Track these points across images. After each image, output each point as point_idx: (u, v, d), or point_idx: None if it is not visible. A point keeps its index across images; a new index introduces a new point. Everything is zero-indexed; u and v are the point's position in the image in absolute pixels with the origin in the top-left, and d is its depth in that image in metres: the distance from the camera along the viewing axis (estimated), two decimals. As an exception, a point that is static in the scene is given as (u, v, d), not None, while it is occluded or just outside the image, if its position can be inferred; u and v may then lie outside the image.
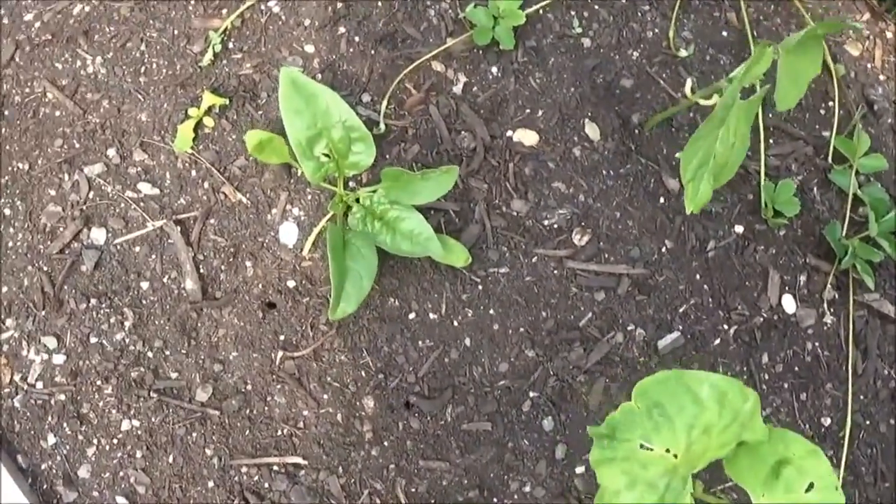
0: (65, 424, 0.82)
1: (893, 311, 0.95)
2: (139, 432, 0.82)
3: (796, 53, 0.72)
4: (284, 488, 0.81)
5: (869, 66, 1.07)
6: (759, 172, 0.95)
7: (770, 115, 0.99)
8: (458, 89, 0.92)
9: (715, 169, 0.70)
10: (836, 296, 0.94)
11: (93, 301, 0.84)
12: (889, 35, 1.14)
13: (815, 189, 0.97)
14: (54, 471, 0.81)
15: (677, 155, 0.93)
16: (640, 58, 0.95)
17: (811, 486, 0.65)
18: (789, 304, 0.93)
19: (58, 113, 0.91)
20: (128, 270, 0.85)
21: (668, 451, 0.62)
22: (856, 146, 0.98)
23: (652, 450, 0.62)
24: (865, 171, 0.99)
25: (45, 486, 0.81)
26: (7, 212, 0.88)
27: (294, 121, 0.80)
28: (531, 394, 0.85)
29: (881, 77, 1.07)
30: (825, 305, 0.93)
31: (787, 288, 0.93)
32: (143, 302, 0.84)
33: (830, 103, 1.02)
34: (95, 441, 0.81)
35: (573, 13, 0.97)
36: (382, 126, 0.90)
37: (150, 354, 0.83)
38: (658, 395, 0.64)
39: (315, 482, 0.81)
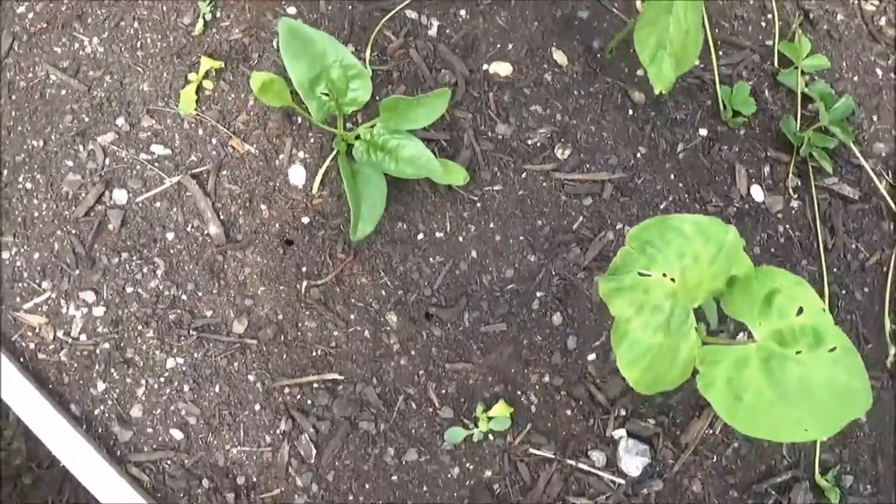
0: (112, 370, 1.13)
1: (852, 192, 1.34)
2: (184, 368, 1.14)
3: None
4: (326, 402, 1.14)
5: None
6: (714, 81, 1.35)
7: (717, 31, 1.39)
8: (432, 33, 1.30)
9: (674, 54, 1.08)
10: (799, 182, 1.33)
11: (124, 255, 1.16)
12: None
13: (766, 91, 1.37)
14: (107, 414, 1.12)
15: (639, 72, 1.32)
16: (595, -11, 1.35)
17: (801, 310, 0.98)
18: (758, 193, 1.31)
19: (63, 92, 1.24)
20: (153, 224, 1.18)
21: (664, 275, 0.96)
22: (799, 49, 1.39)
23: (650, 276, 0.96)
24: (809, 70, 1.40)
25: (99, 430, 1.12)
26: (29, 185, 1.20)
27: (295, 65, 1.15)
28: (538, 294, 1.21)
29: None
30: (790, 191, 1.32)
31: (753, 179, 1.31)
32: (171, 251, 1.17)
33: (770, 16, 1.43)
34: (143, 381, 1.13)
35: None
36: (369, 71, 1.25)
37: (184, 297, 1.16)
38: (648, 235, 0.99)
39: (353, 394, 1.14)
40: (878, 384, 1.29)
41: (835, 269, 1.32)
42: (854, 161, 1.39)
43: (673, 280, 0.95)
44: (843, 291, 1.31)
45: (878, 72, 1.48)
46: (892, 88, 1.47)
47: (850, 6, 1.53)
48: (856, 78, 1.46)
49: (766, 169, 1.34)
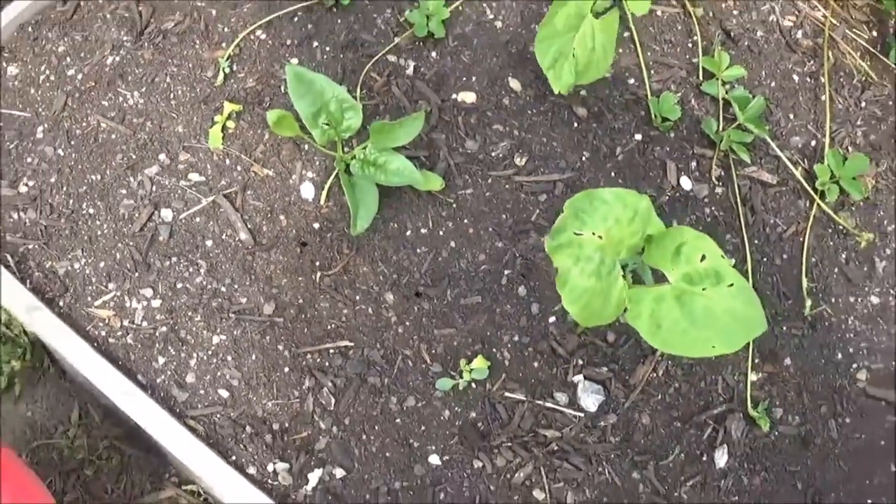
0: (169, 347, 1.92)
1: (770, 178, 2.15)
2: (227, 343, 1.92)
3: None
4: (340, 363, 1.92)
5: (724, 5, 2.34)
6: (646, 95, 2.16)
7: (649, 54, 2.22)
8: (410, 72, 2.13)
9: (578, 66, 1.89)
10: (722, 173, 2.14)
11: (173, 259, 1.97)
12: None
13: (692, 100, 2.20)
14: (167, 381, 1.91)
15: (582, 92, 2.13)
16: (538, 26, 2.18)
17: (703, 257, 1.76)
18: (686, 183, 2.12)
19: (113, 136, 2.07)
20: (194, 235, 1.99)
21: (593, 233, 1.74)
22: (718, 62, 2.21)
23: (583, 234, 1.74)
24: (729, 80, 2.22)
25: (161, 394, 1.90)
26: (91, 210, 2.01)
27: (300, 102, 1.97)
28: (506, 272, 2.00)
29: (735, 11, 2.33)
30: (714, 180, 2.12)
31: (682, 172, 2.12)
32: (211, 254, 1.97)
33: (695, 38, 2.26)
34: (195, 355, 1.92)
35: (485, 4, 2.22)
36: (360, 106, 2.08)
37: (223, 289, 1.95)
38: (579, 204, 1.78)
39: (362, 356, 1.93)
40: (798, 332, 2.07)
41: (756, 241, 2.10)
42: (772, 153, 2.19)
43: (600, 237, 1.72)
44: (764, 258, 2.09)
45: (795, 77, 2.30)
46: (807, 90, 2.29)
47: (769, 23, 2.38)
48: (773, 84, 2.28)
49: (693, 163, 2.14)
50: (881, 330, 2.12)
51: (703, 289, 1.68)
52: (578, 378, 1.97)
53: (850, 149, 2.31)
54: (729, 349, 1.69)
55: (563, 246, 1.71)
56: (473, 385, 1.95)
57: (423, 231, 2.05)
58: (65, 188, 2.07)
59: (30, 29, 2.26)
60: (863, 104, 2.37)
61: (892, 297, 2.15)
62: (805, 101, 2.33)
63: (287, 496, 1.83)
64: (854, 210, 2.23)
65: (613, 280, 1.70)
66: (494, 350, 1.98)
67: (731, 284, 1.69)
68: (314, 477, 1.85)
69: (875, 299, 2.14)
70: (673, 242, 1.73)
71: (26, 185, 2.08)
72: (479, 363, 1.93)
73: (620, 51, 2.30)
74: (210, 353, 1.95)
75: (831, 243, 2.18)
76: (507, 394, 1.95)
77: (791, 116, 2.29)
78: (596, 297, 1.68)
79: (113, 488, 2.03)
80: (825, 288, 2.14)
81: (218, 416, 1.90)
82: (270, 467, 1.86)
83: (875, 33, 2.51)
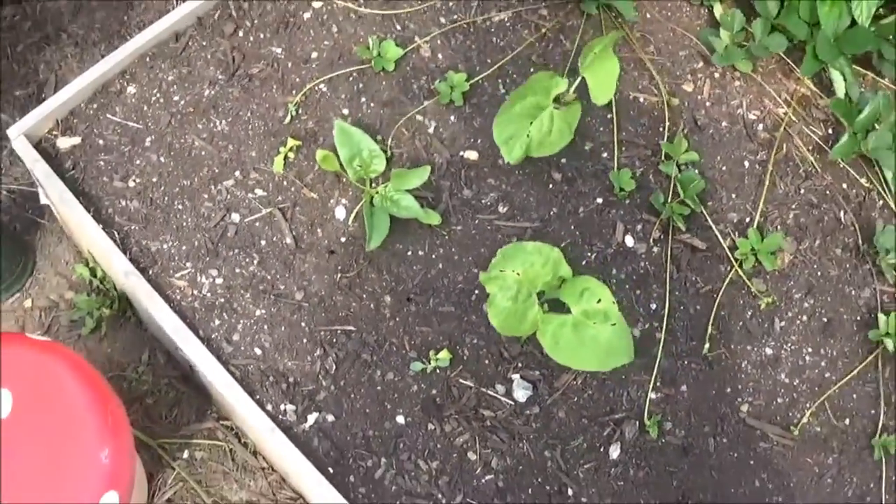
0: (224, 314, 3.24)
1: (701, 244, 3.37)
2: (265, 316, 3.23)
3: (594, 67, 3.17)
4: (344, 341, 3.21)
5: (699, 97, 3.57)
6: (613, 168, 3.41)
7: (624, 133, 3.46)
8: (431, 130, 3.41)
9: (532, 144, 3.14)
10: (661, 236, 3.36)
11: (235, 251, 3.28)
12: (717, 76, 3.62)
13: (651, 176, 3.43)
14: (219, 337, 3.22)
15: (562, 160, 3.38)
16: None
17: (599, 300, 3.02)
18: (629, 241, 3.35)
19: (203, 153, 3.40)
20: (253, 235, 3.30)
21: (513, 271, 3.02)
22: (677, 147, 3.44)
23: (507, 272, 3.01)
24: (684, 162, 3.43)
25: (214, 345, 3.21)
26: (180, 206, 3.34)
27: (342, 148, 3.27)
28: (476, 292, 3.26)
29: (707, 104, 3.56)
30: (652, 241, 3.35)
31: (628, 232, 3.35)
32: (263, 251, 3.29)
33: (666, 123, 3.49)
34: (241, 321, 3.23)
35: (499, 81, 3.49)
36: (389, 153, 3.37)
37: (268, 277, 3.27)
38: (508, 252, 3.04)
39: (360, 339, 3.21)
40: (697, 367, 3.26)
41: (676, 293, 3.31)
42: (707, 224, 3.40)
43: (518, 274, 2.98)
44: (681, 307, 3.31)
45: (746, 164, 3.49)
46: (754, 175, 3.48)
47: (735, 116, 3.57)
48: (724, 167, 3.47)
49: (639, 226, 3.36)
50: (768, 375, 3.29)
51: (594, 323, 2.89)
52: (516, 376, 3.20)
53: (779, 228, 3.47)
54: (603, 368, 2.88)
55: (492, 278, 2.95)
56: (437, 370, 3.20)
57: (420, 253, 3.31)
58: (162, 187, 3.40)
59: (147, 59, 3.59)
60: (801, 191, 3.54)
61: (783, 350, 3.32)
62: (749, 183, 3.50)
63: (290, 429, 3.11)
64: (768, 278, 3.40)
65: (529, 306, 2.93)
66: (457, 347, 3.23)
67: (614, 324, 2.91)
68: (312, 418, 3.13)
69: (769, 350, 3.32)
70: (580, 286, 2.95)
71: (134, 181, 3.40)
72: (444, 355, 3.19)
73: (601, 129, 3.52)
74: (252, 321, 3.25)
75: (741, 302, 3.36)
76: (460, 380, 3.20)
77: (733, 196, 3.47)
78: (512, 315, 2.92)
79: (166, 415, 3.35)
80: (728, 336, 3.33)
81: (251, 366, 3.20)
82: (282, 407, 3.15)
83: (830, 131, 3.67)
